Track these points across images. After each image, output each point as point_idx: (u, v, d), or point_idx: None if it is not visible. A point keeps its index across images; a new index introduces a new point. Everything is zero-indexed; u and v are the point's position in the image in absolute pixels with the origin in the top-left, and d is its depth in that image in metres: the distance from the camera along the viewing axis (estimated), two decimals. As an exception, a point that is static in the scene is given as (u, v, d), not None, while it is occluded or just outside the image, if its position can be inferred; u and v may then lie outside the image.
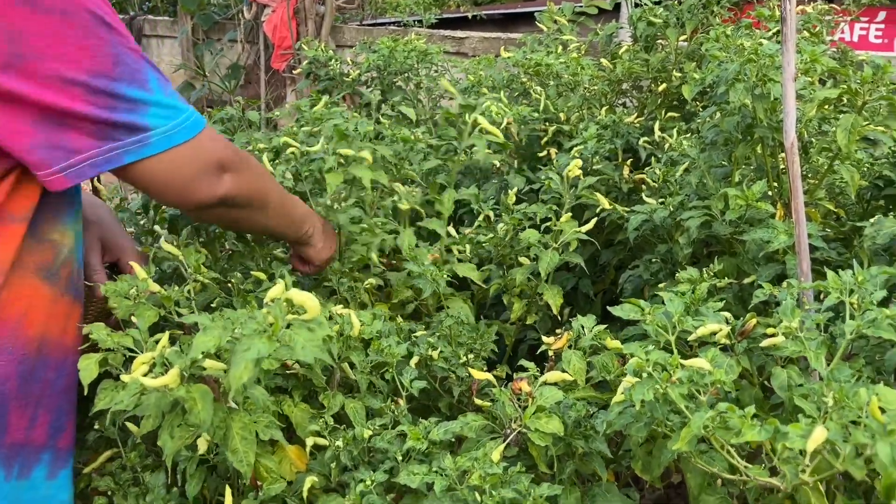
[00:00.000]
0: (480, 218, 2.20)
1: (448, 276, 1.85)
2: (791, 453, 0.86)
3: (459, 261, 2.07)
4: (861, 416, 0.86)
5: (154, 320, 1.24)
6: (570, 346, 1.42)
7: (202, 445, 1.20)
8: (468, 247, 2.14)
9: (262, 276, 1.73)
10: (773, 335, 1.15)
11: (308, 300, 1.08)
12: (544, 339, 1.46)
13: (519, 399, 1.26)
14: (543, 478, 1.26)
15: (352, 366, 1.52)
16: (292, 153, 1.92)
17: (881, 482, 0.75)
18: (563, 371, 1.39)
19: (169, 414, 1.09)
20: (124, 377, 1.09)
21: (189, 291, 1.37)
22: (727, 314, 1.28)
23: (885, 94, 1.56)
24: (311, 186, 1.98)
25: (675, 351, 1.09)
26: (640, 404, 0.96)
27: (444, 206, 1.96)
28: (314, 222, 1.65)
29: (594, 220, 1.93)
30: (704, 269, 1.67)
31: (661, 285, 2.00)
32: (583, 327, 1.46)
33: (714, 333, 1.20)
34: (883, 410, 0.84)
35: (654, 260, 2.06)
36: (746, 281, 1.77)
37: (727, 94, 1.75)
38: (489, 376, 1.31)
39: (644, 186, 2.37)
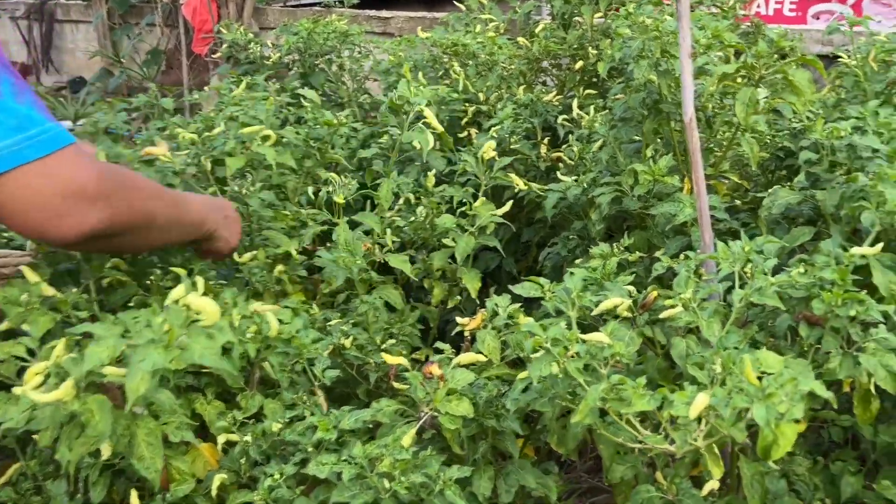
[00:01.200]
0: (401, 201, 2.19)
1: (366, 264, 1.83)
2: (683, 419, 0.89)
3: (392, 251, 2.06)
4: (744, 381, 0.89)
5: (49, 327, 1.19)
6: (484, 326, 1.43)
7: (106, 451, 1.17)
8: (389, 231, 2.13)
9: (182, 271, 1.68)
10: (673, 307, 1.18)
11: (207, 306, 1.04)
12: (459, 320, 1.47)
13: (431, 382, 1.26)
14: (457, 459, 1.27)
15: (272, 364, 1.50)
16: (191, 140, 1.87)
17: (759, 443, 0.78)
18: (479, 351, 1.40)
19: (67, 425, 1.05)
20: (16, 390, 1.05)
21: (91, 292, 1.32)
22: (631, 287, 1.31)
23: (779, 68, 1.61)
24: (214, 172, 1.93)
25: (575, 326, 1.11)
26: (539, 380, 0.98)
27: (382, 198, 1.92)
28: (215, 216, 1.52)
29: (510, 203, 1.94)
30: (615, 244, 1.70)
31: (577, 261, 2.04)
32: (497, 306, 1.48)
33: (617, 307, 1.23)
34: (764, 374, 0.87)
35: (571, 237, 2.09)
36: (658, 254, 1.81)
37: (633, 70, 1.78)
38: (403, 361, 1.31)
39: (561, 164, 2.40)
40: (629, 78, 1.91)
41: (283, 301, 1.82)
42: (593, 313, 1.21)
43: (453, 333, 1.53)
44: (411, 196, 2.19)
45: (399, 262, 1.80)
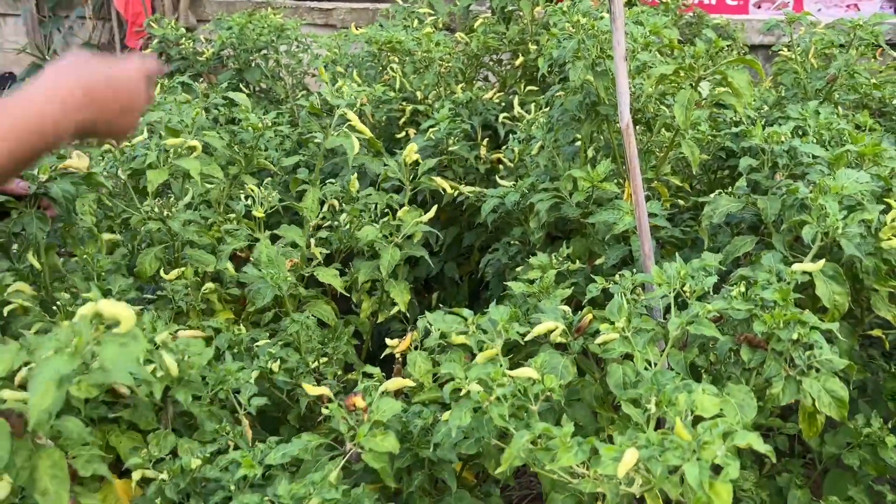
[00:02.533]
0: (325, 208, 2.08)
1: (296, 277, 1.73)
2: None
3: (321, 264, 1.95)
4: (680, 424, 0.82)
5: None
6: (416, 347, 1.34)
7: (4, 488, 1.06)
8: (313, 241, 2.02)
9: (95, 296, 1.54)
10: (609, 331, 1.11)
11: (122, 311, 0.92)
12: (388, 342, 1.38)
13: (356, 414, 1.17)
14: (392, 492, 1.19)
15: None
16: (107, 149, 1.74)
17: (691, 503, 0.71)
18: (409, 375, 1.31)
19: (-40, 455, 0.93)
20: None
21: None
22: (566, 308, 1.23)
23: (717, 69, 1.55)
24: (133, 184, 1.80)
25: (503, 360, 1.03)
26: (457, 430, 0.89)
27: (307, 209, 1.78)
28: (64, 112, 0.98)
29: (435, 208, 1.85)
30: (553, 255, 1.63)
31: (518, 269, 1.96)
32: (429, 324, 1.39)
33: (550, 332, 1.15)
34: (700, 420, 0.80)
35: (512, 242, 2.02)
36: (598, 262, 1.75)
37: (570, 71, 1.70)
38: (325, 391, 1.21)
39: (501, 166, 2.32)
40: (566, 78, 1.84)
41: (208, 321, 1.71)
42: (525, 339, 1.13)
43: (382, 356, 1.44)
44: (336, 202, 2.08)
45: (328, 276, 1.70)
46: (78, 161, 1.59)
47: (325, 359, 1.60)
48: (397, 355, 1.42)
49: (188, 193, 1.88)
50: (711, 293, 1.14)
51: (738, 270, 1.25)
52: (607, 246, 1.67)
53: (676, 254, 1.59)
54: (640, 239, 1.43)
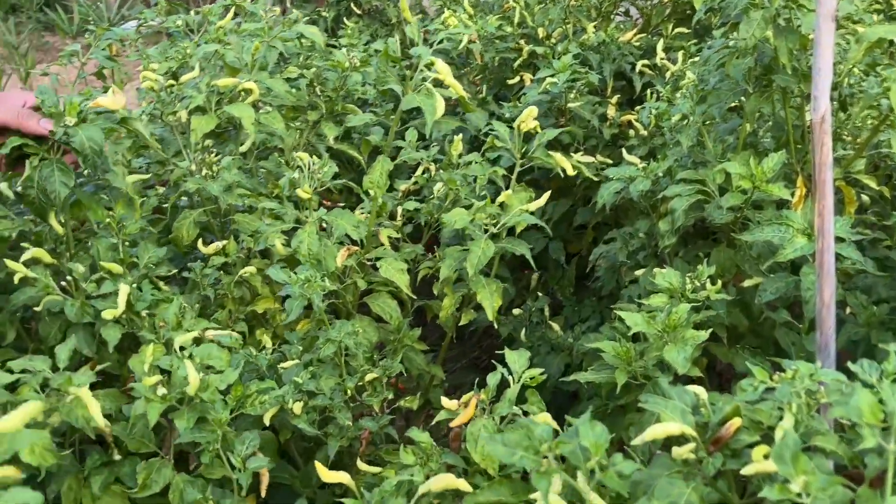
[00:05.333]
0: (419, 172, 1.74)
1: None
2: None
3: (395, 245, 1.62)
4: None
5: None
6: (483, 410, 0.99)
7: None
8: (399, 210, 1.70)
9: (117, 268, 1.29)
10: (765, 454, 0.72)
11: None
12: (444, 402, 1.03)
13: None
14: None
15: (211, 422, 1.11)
16: (151, 88, 1.45)
17: None
18: (459, 471, 0.96)
19: None
20: None
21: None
22: (699, 392, 0.84)
23: (971, 36, 1.05)
24: (181, 136, 1.51)
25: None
26: None
27: (374, 184, 1.42)
28: None
29: (547, 195, 1.45)
30: (688, 276, 1.21)
31: (638, 271, 1.56)
32: (509, 372, 1.03)
33: (672, 438, 0.77)
34: None
35: (633, 236, 1.60)
36: (747, 284, 1.32)
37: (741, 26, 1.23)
38: (344, 479, 0.89)
39: (632, 132, 1.88)
40: (735, 22, 1.36)
41: (245, 309, 1.43)
42: (633, 443, 0.76)
43: (435, 421, 1.09)
44: (433, 166, 1.73)
45: (392, 270, 1.36)
46: (111, 99, 1.30)
47: (373, 375, 1.27)
48: (455, 425, 1.05)
49: (245, 143, 1.58)
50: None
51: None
52: (763, 270, 1.23)
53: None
54: (820, 280, 1.00)
